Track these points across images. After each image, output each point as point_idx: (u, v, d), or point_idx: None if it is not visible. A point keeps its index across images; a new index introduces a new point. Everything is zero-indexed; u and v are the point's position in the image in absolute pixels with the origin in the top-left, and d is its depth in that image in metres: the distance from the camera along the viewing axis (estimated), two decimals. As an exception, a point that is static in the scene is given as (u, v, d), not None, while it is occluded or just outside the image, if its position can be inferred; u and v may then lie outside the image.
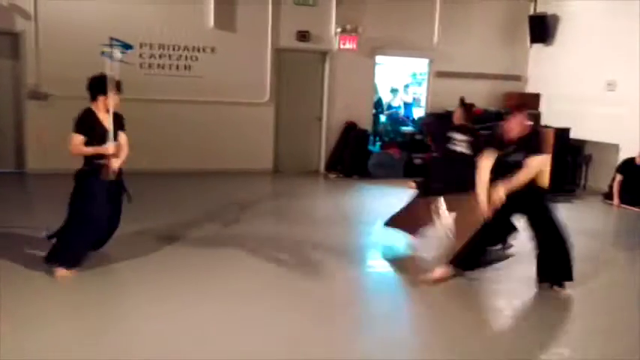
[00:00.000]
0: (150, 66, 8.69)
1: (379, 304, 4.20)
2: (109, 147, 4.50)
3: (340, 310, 4.02)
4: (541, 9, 10.00)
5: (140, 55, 8.70)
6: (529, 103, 9.32)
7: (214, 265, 4.78)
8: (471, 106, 5.43)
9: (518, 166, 4.22)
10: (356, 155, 9.34)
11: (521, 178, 4.20)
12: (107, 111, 4.61)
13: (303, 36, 9.28)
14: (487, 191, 4.15)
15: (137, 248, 4.93)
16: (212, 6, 8.75)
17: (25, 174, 8.35)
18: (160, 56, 8.74)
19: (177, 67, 8.83)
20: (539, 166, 4.22)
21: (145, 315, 3.74)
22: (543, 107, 10.13)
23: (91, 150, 4.50)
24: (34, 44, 8.21)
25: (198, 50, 8.86)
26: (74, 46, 8.53)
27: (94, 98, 4.72)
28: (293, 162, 9.70)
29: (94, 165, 4.55)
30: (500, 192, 4.15)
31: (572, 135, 8.71)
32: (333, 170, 9.37)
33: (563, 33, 9.69)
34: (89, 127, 4.53)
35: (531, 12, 10.12)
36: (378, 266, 5.15)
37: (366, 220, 6.58)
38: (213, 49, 8.93)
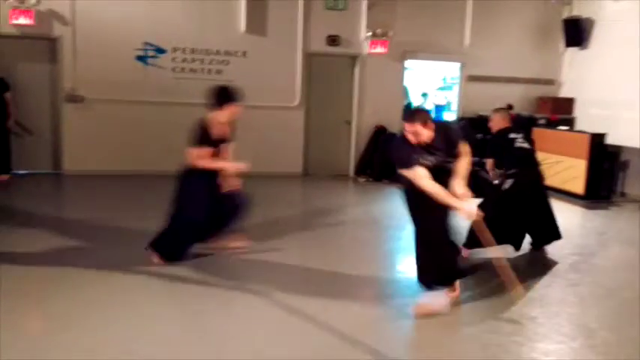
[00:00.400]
0: (182, 70, 8.83)
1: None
2: (235, 165, 4.82)
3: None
4: (576, 12, 9.83)
5: (173, 60, 8.84)
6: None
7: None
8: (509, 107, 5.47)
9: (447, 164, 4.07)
10: (385, 159, 9.31)
11: (465, 165, 4.06)
12: (227, 120, 4.80)
13: (333, 40, 9.30)
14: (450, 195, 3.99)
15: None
16: (243, 10, 8.85)
17: (61, 175, 8.59)
18: (192, 60, 8.87)
19: (209, 71, 8.94)
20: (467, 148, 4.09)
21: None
22: (577, 112, 9.94)
23: (217, 166, 4.70)
24: (71, 49, 8.42)
25: (230, 54, 8.96)
26: (109, 51, 8.72)
27: (220, 106, 4.83)
28: (322, 165, 9.70)
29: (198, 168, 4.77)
30: (461, 188, 4.00)
31: (609, 141, 8.54)
32: (362, 174, 9.35)
33: (599, 36, 9.48)
34: (208, 136, 4.69)
35: (565, 15, 9.97)
36: (406, 271, 5.16)
37: (395, 224, 6.56)
38: (244, 54, 9.01)
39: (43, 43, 8.41)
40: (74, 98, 8.44)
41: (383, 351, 3.44)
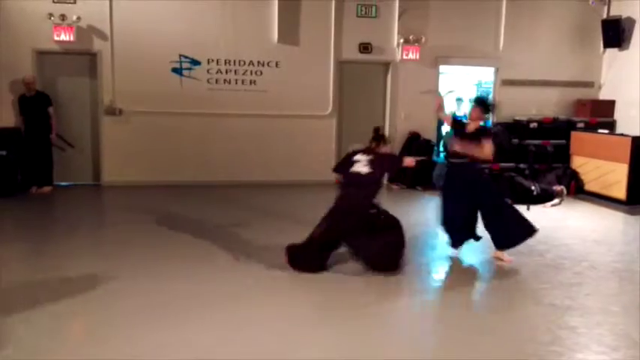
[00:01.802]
0: (217, 81, 8.99)
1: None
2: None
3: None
4: (615, 12, 9.60)
5: (207, 71, 9.01)
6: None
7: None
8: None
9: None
10: (420, 165, 9.25)
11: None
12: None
13: (365, 48, 9.32)
14: None
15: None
16: (276, 21, 8.98)
17: (101, 186, 8.84)
18: (227, 71, 9.02)
19: (243, 82, 9.08)
20: None
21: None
22: (618, 115, 9.69)
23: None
24: (110, 63, 8.69)
25: (263, 65, 9.09)
26: (146, 64, 8.95)
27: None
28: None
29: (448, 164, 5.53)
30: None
31: (652, 143, 8.33)
32: (395, 181, 9.32)
33: (639, 36, 9.28)
34: None
35: (604, 16, 9.74)
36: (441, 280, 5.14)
37: (428, 232, 6.53)
38: (277, 64, 9.12)
39: (83, 59, 8.70)
40: (113, 111, 8.70)
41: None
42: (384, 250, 4.93)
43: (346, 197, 5.06)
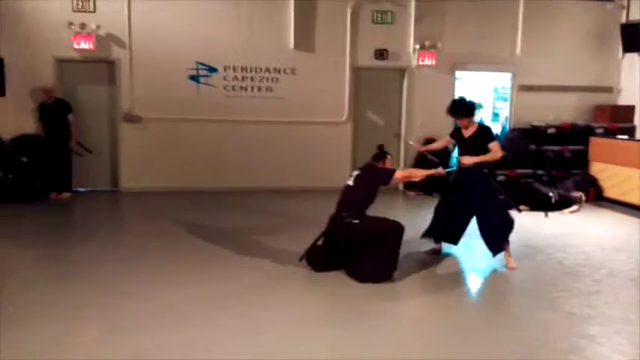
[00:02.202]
0: (233, 88, 9.06)
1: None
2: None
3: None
4: (634, 16, 9.49)
5: (224, 78, 9.09)
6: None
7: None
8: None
9: None
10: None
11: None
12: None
13: (381, 54, 9.33)
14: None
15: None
16: (292, 28, 9.03)
17: (119, 192, 8.95)
18: (243, 78, 9.09)
19: (260, 89, 9.14)
20: None
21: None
22: (638, 120, 9.58)
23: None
24: (128, 70, 8.80)
25: (279, 72, 9.14)
26: (163, 71, 9.05)
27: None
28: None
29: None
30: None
31: (673, 149, 8.21)
32: (412, 187, 9.29)
33: None
34: None
35: (623, 20, 9.64)
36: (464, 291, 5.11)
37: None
38: (293, 70, 9.17)
39: (102, 66, 8.84)
40: (131, 118, 8.81)
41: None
42: (369, 268, 4.91)
43: (334, 212, 5.17)
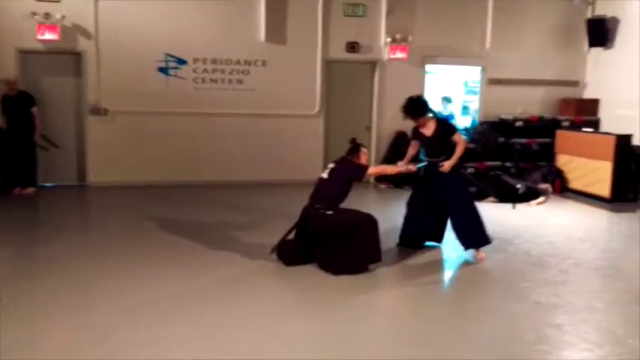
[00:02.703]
0: (203, 80, 8.97)
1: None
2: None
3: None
4: (600, 12, 9.72)
5: (194, 70, 8.99)
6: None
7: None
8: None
9: None
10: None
11: None
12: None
13: (352, 47, 9.35)
14: None
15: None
16: (263, 20, 8.97)
17: (86, 187, 8.78)
18: (213, 71, 9.00)
19: (230, 81, 9.07)
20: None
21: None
22: (602, 113, 9.83)
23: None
24: (95, 62, 8.63)
25: (250, 64, 9.08)
26: (131, 63, 8.90)
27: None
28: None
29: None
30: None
31: (635, 142, 8.43)
32: (383, 180, 9.36)
33: (624, 36, 9.36)
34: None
35: (589, 15, 9.87)
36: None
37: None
38: (264, 63, 9.12)
39: (67, 58, 8.63)
40: (98, 111, 8.64)
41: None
42: (343, 259, 4.97)
43: (307, 204, 5.24)
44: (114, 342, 3.58)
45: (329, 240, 5.03)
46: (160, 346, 3.55)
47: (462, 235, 5.56)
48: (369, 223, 5.07)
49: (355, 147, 5.34)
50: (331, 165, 5.31)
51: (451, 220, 5.61)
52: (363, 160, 5.27)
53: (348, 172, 5.25)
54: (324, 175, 5.23)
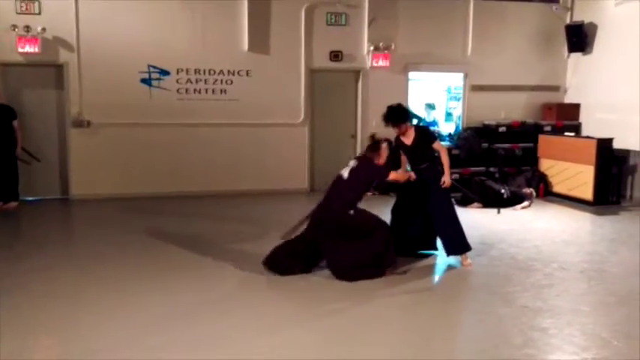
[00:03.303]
0: (186, 91, 8.93)
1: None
2: None
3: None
4: (578, 18, 9.88)
5: (177, 81, 8.96)
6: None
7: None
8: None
9: None
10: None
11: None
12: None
13: (335, 56, 9.40)
14: None
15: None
16: (246, 29, 8.99)
17: (68, 200, 8.69)
18: (197, 81, 8.98)
19: (214, 91, 9.05)
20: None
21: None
22: (583, 118, 9.96)
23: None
24: (77, 74, 8.57)
25: (234, 74, 9.07)
26: (114, 75, 8.85)
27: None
28: (328, 180, 9.74)
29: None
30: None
31: (616, 145, 8.56)
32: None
33: (602, 41, 9.52)
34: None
35: (568, 21, 10.02)
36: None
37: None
38: (248, 72, 9.12)
39: (49, 70, 8.56)
40: (81, 123, 8.57)
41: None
42: (346, 262, 5.01)
43: (323, 201, 5.22)
44: (99, 356, 3.55)
45: (344, 236, 5.00)
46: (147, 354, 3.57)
47: (445, 241, 5.63)
48: (383, 227, 5.12)
49: (375, 144, 5.30)
50: (352, 163, 5.24)
51: (435, 226, 5.66)
52: (384, 156, 5.23)
53: (370, 175, 5.22)
54: (345, 175, 5.16)
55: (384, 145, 5.27)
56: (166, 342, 3.74)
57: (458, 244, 5.57)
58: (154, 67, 8.76)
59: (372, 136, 5.38)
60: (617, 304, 4.60)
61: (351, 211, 5.05)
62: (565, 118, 9.91)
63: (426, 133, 5.77)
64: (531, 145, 9.58)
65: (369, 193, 9.56)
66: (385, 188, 9.48)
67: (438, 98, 10.88)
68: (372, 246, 5.05)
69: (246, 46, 8.99)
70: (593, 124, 9.51)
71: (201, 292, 4.71)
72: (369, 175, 5.18)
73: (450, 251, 5.59)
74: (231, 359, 3.52)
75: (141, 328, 3.96)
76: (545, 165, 9.29)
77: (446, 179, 5.49)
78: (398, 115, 5.48)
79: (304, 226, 5.29)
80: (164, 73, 8.79)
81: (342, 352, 3.69)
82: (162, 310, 4.32)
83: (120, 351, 3.61)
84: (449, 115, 11.05)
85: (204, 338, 3.82)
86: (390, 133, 5.55)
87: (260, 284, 4.96)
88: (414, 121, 6.12)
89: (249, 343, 3.77)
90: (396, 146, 5.72)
